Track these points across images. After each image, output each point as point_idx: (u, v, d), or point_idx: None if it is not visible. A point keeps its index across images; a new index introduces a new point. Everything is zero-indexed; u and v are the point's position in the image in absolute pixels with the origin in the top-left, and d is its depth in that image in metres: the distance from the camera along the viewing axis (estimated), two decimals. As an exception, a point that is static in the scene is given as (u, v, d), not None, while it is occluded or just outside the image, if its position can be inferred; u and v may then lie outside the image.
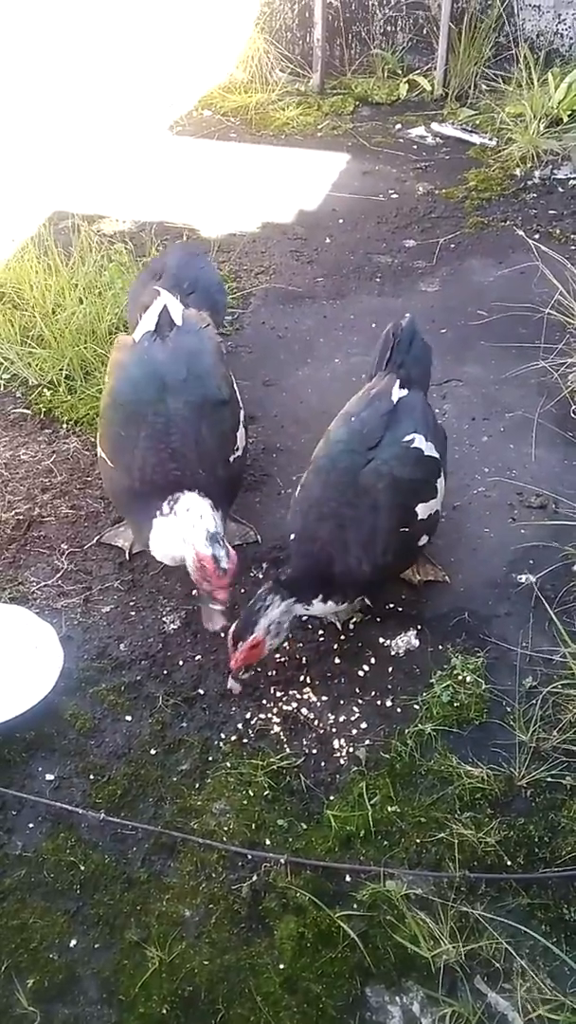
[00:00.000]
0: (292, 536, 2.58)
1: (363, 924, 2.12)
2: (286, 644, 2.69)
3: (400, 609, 2.82)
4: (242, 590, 2.79)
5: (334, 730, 2.52)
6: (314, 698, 2.59)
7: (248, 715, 2.55)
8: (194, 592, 2.72)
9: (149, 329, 2.86)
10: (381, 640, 2.74)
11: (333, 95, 5.90)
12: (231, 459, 2.72)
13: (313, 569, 2.50)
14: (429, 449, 2.65)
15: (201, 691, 2.61)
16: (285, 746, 2.48)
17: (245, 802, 2.35)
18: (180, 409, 2.65)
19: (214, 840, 2.27)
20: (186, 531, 2.49)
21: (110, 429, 2.72)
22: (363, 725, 2.53)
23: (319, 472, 2.61)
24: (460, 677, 2.59)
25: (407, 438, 2.62)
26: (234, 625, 2.44)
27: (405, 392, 2.74)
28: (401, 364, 2.84)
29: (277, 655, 2.68)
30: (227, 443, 2.72)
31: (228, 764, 2.43)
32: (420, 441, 2.63)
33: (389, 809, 2.33)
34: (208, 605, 2.54)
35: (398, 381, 2.76)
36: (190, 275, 3.19)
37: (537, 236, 4.41)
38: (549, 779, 2.37)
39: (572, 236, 4.52)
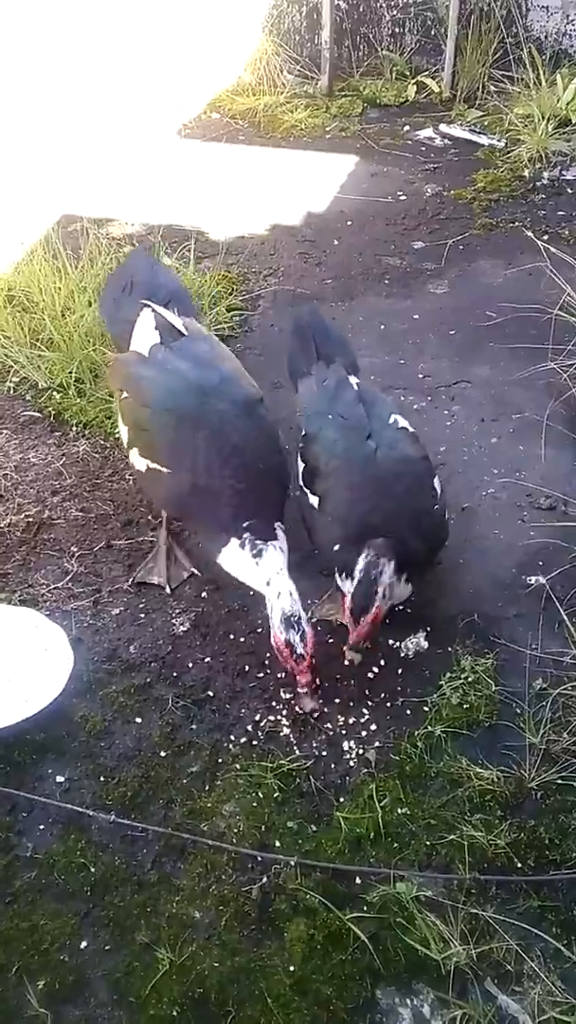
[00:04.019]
0: (336, 547, 2.55)
1: (373, 926, 2.12)
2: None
3: (409, 611, 2.81)
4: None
5: (343, 732, 2.52)
6: (323, 700, 2.59)
7: (258, 717, 2.55)
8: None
9: (155, 341, 2.86)
10: (390, 642, 2.73)
11: (341, 97, 5.90)
12: (280, 449, 2.77)
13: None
14: (411, 427, 2.75)
15: (211, 693, 2.62)
16: (295, 748, 2.48)
17: (255, 804, 2.35)
18: (228, 409, 2.67)
19: (224, 842, 2.27)
20: (267, 608, 2.51)
21: (161, 437, 2.70)
22: (372, 727, 2.53)
23: (339, 476, 2.61)
24: (470, 679, 2.58)
25: (392, 419, 2.71)
26: (350, 600, 2.44)
27: (356, 379, 2.85)
28: (331, 354, 2.94)
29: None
30: (274, 436, 2.77)
31: (238, 766, 2.43)
32: (403, 421, 2.73)
33: (399, 811, 2.33)
34: (296, 691, 2.53)
35: (343, 369, 2.87)
36: (160, 283, 3.15)
37: (546, 237, 4.40)
38: (559, 781, 2.36)
39: (581, 237, 4.52)
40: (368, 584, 2.43)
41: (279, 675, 2.64)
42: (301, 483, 2.75)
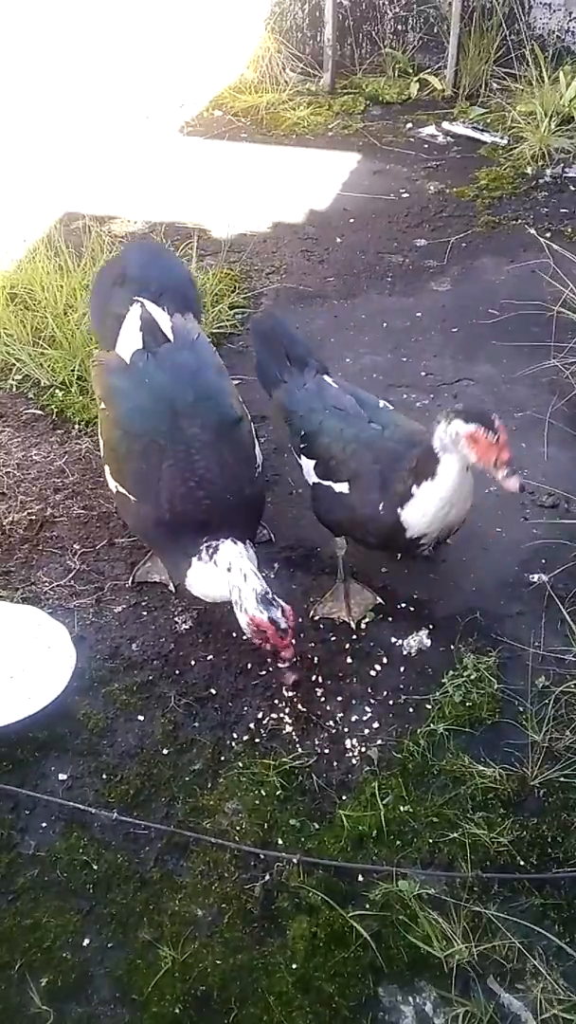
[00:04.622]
0: (381, 507, 2.55)
1: (376, 924, 2.12)
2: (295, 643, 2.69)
3: (412, 609, 2.81)
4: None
5: (346, 730, 2.52)
6: (326, 698, 2.59)
7: (260, 715, 2.55)
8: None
9: (137, 347, 2.72)
10: (393, 640, 2.74)
11: (344, 95, 5.90)
12: (255, 477, 2.65)
13: None
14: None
15: (213, 691, 2.62)
16: (297, 746, 2.48)
17: (257, 802, 2.35)
18: (199, 434, 2.54)
19: (227, 840, 2.27)
20: (234, 594, 2.42)
21: (128, 464, 2.59)
22: (375, 725, 2.53)
23: (362, 456, 2.61)
24: (472, 677, 2.58)
25: (381, 404, 2.80)
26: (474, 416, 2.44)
27: (330, 378, 2.92)
28: (302, 357, 2.99)
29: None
30: (250, 462, 2.64)
31: (240, 764, 2.43)
32: (389, 405, 2.81)
33: (401, 809, 2.33)
34: (277, 666, 2.50)
35: (315, 370, 2.94)
36: (156, 275, 2.97)
37: (548, 235, 4.39)
38: (562, 779, 2.36)
39: (584, 234, 4.52)
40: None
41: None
42: (316, 479, 2.73)
